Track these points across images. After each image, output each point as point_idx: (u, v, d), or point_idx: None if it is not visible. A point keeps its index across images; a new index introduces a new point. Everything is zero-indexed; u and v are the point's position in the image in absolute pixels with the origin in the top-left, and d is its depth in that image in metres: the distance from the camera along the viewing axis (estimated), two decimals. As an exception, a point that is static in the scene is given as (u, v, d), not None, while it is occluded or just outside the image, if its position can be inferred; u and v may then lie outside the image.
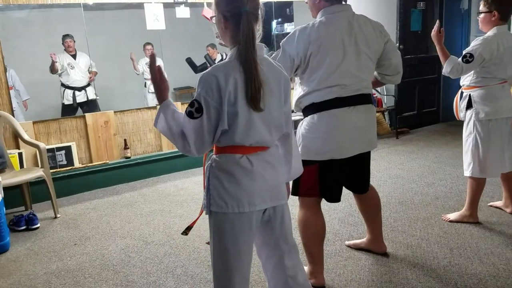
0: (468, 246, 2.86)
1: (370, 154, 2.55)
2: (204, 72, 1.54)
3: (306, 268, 2.54)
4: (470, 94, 3.07)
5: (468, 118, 3.11)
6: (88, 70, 4.95)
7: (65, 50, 4.77)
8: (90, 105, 4.97)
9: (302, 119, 2.41)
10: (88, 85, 4.95)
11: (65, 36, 4.73)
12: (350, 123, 2.31)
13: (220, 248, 1.65)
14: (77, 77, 4.90)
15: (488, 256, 2.72)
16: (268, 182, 1.66)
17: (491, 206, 3.49)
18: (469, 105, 3.09)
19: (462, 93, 3.18)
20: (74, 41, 4.77)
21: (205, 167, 1.70)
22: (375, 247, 2.83)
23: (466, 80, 3.10)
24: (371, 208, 2.73)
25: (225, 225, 1.62)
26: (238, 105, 1.52)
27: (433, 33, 3.14)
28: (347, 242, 2.99)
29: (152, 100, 5.38)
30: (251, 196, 1.61)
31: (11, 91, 4.34)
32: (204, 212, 1.70)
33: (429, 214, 3.43)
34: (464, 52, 2.97)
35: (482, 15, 3.02)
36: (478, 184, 3.14)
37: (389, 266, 2.67)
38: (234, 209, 1.60)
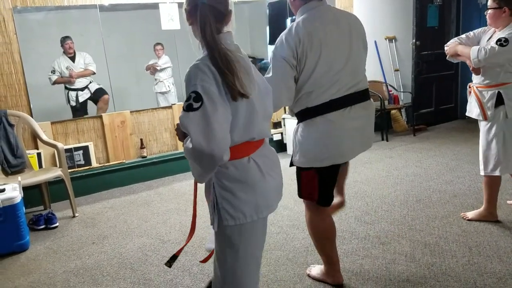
0: (487, 245, 2.81)
1: None
2: (190, 67, 1.48)
3: (322, 268, 2.53)
4: (499, 92, 2.93)
5: (497, 115, 2.96)
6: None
7: (64, 52, 4.74)
8: (98, 94, 4.95)
9: (297, 125, 2.28)
10: (90, 82, 4.94)
11: (65, 38, 4.67)
12: (347, 126, 2.18)
13: (236, 261, 1.60)
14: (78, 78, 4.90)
15: (508, 254, 2.67)
16: (275, 180, 1.63)
17: (510, 204, 3.43)
18: (498, 103, 2.94)
19: (480, 92, 3.03)
20: (73, 42, 4.75)
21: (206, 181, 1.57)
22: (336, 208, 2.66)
23: (492, 78, 2.95)
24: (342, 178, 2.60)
25: (242, 236, 1.57)
26: (228, 96, 1.45)
27: (449, 51, 3.10)
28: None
29: (163, 101, 5.41)
30: (267, 199, 1.57)
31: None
32: (213, 227, 1.59)
33: (447, 212, 3.38)
34: (498, 37, 2.84)
35: (491, 11, 2.91)
36: (495, 182, 3.09)
37: (407, 265, 2.64)
38: (253, 217, 1.54)
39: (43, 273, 2.93)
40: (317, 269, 2.58)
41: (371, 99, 2.34)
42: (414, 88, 6.40)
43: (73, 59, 4.80)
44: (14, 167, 3.95)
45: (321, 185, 2.26)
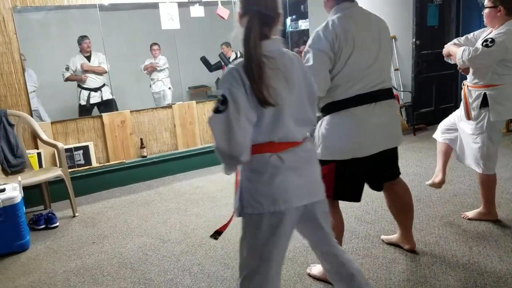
0: (487, 244, 2.81)
1: (396, 148, 2.51)
2: (225, 70, 1.58)
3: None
4: (485, 93, 2.91)
5: (481, 116, 2.95)
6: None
7: (80, 51, 4.81)
8: (107, 105, 5.01)
9: (321, 118, 2.37)
10: (104, 85, 4.98)
11: (83, 38, 4.76)
12: (372, 121, 2.26)
13: (256, 249, 1.65)
14: (92, 77, 4.94)
15: (508, 253, 2.67)
16: (304, 178, 1.65)
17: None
18: (483, 104, 2.92)
19: (469, 91, 3.02)
20: (90, 42, 4.82)
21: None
22: (403, 243, 2.82)
23: (479, 77, 2.93)
24: (401, 205, 2.69)
25: (262, 226, 1.61)
26: (255, 100, 1.54)
27: (444, 52, 3.14)
28: (383, 237, 2.99)
29: (160, 101, 5.42)
30: (286, 194, 1.61)
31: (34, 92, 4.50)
32: (235, 215, 1.68)
33: (447, 211, 3.38)
34: (486, 37, 2.83)
35: (487, 10, 2.90)
36: (490, 181, 3.09)
37: (407, 264, 2.64)
38: (270, 209, 1.59)
39: (44, 273, 2.93)
40: (317, 268, 2.58)
41: (395, 99, 2.42)
42: (414, 87, 6.40)
43: (88, 58, 4.88)
44: (14, 166, 3.96)
45: (337, 180, 2.31)
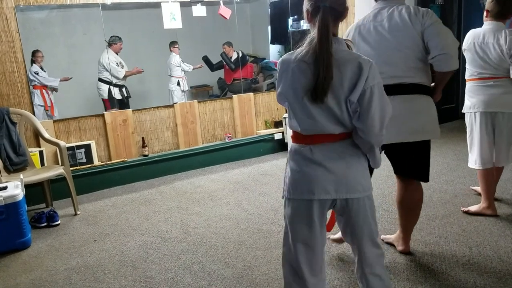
0: (487, 244, 2.82)
1: (421, 145, 2.49)
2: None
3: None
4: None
5: (466, 109, 3.34)
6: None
7: (112, 50, 4.97)
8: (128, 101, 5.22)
9: None
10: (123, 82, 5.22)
11: (120, 39, 4.95)
12: None
13: (285, 230, 1.81)
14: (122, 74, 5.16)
15: (508, 254, 2.68)
16: (333, 174, 1.66)
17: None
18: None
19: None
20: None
21: None
22: (398, 244, 2.82)
23: (466, 72, 3.27)
24: (409, 204, 2.68)
25: (288, 209, 1.75)
26: (294, 90, 1.63)
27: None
28: (383, 236, 2.98)
29: (181, 97, 5.47)
30: (310, 185, 1.67)
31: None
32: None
33: (447, 212, 3.39)
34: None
35: (484, 12, 3.19)
36: (484, 175, 3.24)
37: (407, 264, 2.65)
38: (296, 196, 1.70)
39: (45, 271, 2.95)
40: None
41: (420, 95, 2.43)
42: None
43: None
44: (16, 164, 3.97)
45: None
